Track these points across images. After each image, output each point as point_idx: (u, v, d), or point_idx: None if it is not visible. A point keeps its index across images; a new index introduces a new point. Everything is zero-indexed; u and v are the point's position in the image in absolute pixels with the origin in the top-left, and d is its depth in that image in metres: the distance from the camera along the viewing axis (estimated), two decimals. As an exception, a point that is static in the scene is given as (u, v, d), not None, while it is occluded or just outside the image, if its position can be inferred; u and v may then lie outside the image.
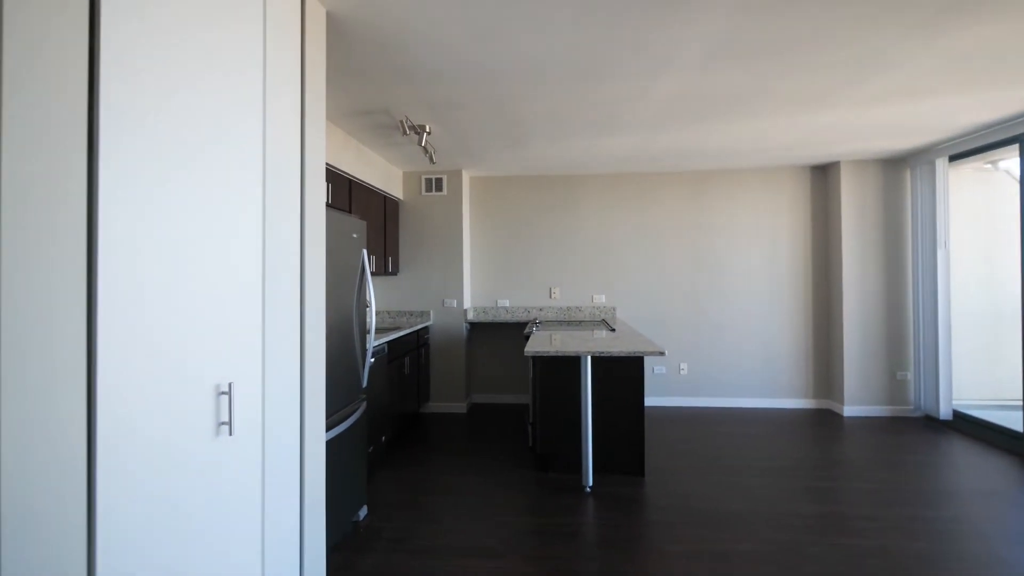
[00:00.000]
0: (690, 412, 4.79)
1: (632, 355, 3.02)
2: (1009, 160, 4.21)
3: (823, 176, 4.92)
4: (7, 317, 0.86)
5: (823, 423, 4.41)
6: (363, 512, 2.75)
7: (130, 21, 1.06)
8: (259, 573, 1.50)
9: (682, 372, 5.03)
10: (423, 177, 4.94)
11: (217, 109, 1.33)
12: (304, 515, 1.76)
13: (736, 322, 4.98)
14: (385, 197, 4.54)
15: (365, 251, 2.81)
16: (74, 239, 0.96)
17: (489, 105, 3.05)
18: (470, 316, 5.09)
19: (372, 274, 4.24)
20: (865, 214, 4.64)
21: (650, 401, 5.06)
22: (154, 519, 1.12)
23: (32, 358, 0.89)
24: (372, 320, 2.78)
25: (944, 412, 4.19)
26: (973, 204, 4.48)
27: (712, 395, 5.00)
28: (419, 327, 4.48)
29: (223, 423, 1.34)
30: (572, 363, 3.32)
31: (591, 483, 3.09)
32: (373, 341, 2.79)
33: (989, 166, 4.43)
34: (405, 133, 3.27)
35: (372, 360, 3.11)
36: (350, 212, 3.73)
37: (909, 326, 4.59)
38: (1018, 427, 3.66)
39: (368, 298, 2.82)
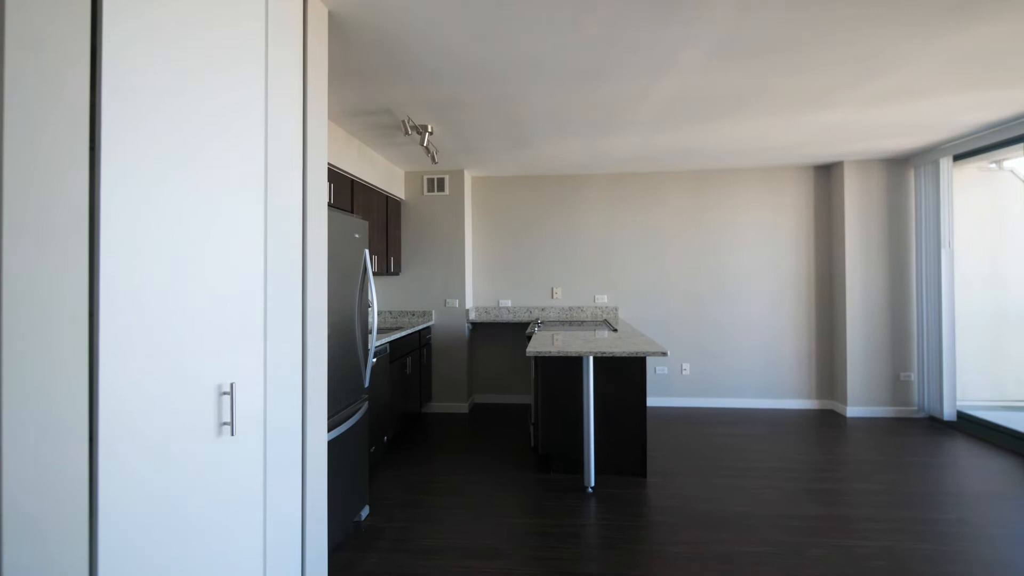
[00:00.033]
0: (692, 412, 4.78)
1: (634, 355, 3.01)
2: (1014, 159, 4.18)
3: (826, 176, 4.90)
4: (9, 317, 0.86)
5: (826, 424, 4.39)
6: (365, 512, 2.75)
7: (131, 19, 1.06)
8: (261, 573, 1.50)
9: (684, 372, 5.02)
10: (425, 177, 4.94)
11: (219, 108, 1.33)
12: (306, 515, 1.75)
13: (739, 322, 4.97)
14: (387, 197, 4.54)
15: (367, 251, 2.81)
16: (76, 239, 0.96)
17: (491, 105, 3.05)
18: (472, 316, 5.09)
19: (374, 274, 4.24)
20: (868, 214, 4.62)
21: (652, 401, 5.04)
22: (156, 519, 1.12)
23: (34, 359, 0.89)
24: (374, 320, 2.78)
25: (948, 413, 4.17)
26: (977, 204, 4.46)
27: (714, 395, 4.99)
28: (421, 327, 4.48)
29: (225, 423, 1.34)
30: (574, 363, 3.31)
31: (593, 484, 3.09)
32: (375, 341, 2.79)
33: (994, 166, 4.40)
34: (407, 133, 3.27)
35: (374, 360, 3.11)
36: (352, 212, 3.73)
37: (912, 326, 4.57)
38: (1023, 428, 3.64)
39: (370, 298, 2.82)
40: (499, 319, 4.98)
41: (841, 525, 2.60)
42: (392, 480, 3.25)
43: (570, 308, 5.16)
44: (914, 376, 4.57)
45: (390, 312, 4.98)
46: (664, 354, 2.94)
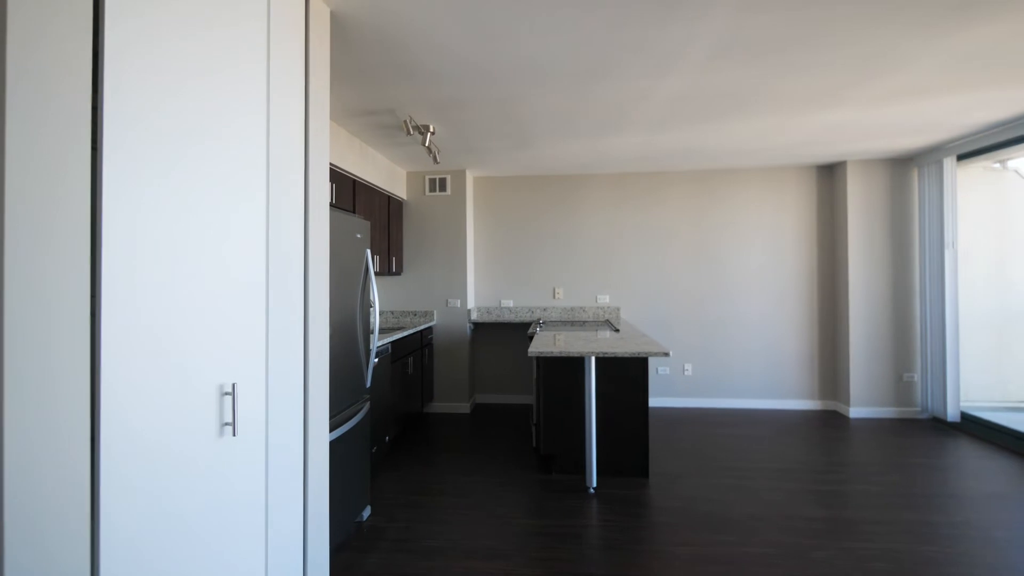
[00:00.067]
0: (695, 413, 4.77)
1: (636, 356, 3.00)
2: (1018, 159, 4.16)
3: (829, 175, 4.88)
4: (11, 317, 0.85)
5: (829, 425, 4.38)
6: (367, 512, 2.74)
7: (133, 19, 1.06)
8: (263, 574, 1.49)
9: (686, 373, 5.00)
10: (427, 177, 4.94)
11: (221, 108, 1.32)
12: (308, 515, 1.75)
13: (741, 322, 4.96)
14: (389, 197, 4.54)
15: (369, 251, 2.80)
16: (78, 239, 0.95)
17: (492, 105, 3.04)
18: (474, 316, 5.08)
19: (376, 274, 4.23)
20: (872, 214, 4.60)
21: (654, 402, 5.03)
22: (157, 519, 1.12)
23: (36, 360, 0.89)
24: (376, 320, 2.78)
25: (952, 414, 4.15)
26: (981, 204, 4.44)
27: (717, 396, 4.98)
28: (423, 327, 4.47)
29: (226, 424, 1.34)
30: (576, 364, 3.30)
31: (595, 484, 3.08)
32: (377, 341, 2.79)
33: (998, 165, 4.38)
34: (409, 133, 3.27)
35: (376, 360, 3.11)
36: (354, 212, 3.73)
37: (916, 327, 4.55)
38: (1027, 429, 3.63)
39: (372, 298, 2.82)
40: (501, 319, 4.98)
41: (844, 527, 2.59)
42: (394, 480, 3.25)
43: (572, 308, 5.15)
44: (917, 377, 4.55)
45: (392, 312, 4.98)
46: (666, 354, 2.93)
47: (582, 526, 2.63)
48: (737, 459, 3.55)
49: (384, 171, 4.36)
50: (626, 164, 4.71)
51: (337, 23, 2.03)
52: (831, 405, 4.86)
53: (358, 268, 2.69)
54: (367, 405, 2.76)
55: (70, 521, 0.94)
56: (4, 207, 0.85)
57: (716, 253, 4.99)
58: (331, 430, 2.30)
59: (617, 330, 4.04)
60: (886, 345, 4.58)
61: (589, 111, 3.16)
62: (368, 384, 2.78)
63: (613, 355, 2.99)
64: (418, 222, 4.96)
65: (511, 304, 5.22)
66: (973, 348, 4.36)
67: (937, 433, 4.09)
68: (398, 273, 4.82)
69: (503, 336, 5.21)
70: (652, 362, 5.02)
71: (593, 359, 3.09)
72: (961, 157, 4.08)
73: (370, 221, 3.25)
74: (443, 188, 4.92)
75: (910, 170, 4.57)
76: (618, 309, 5.10)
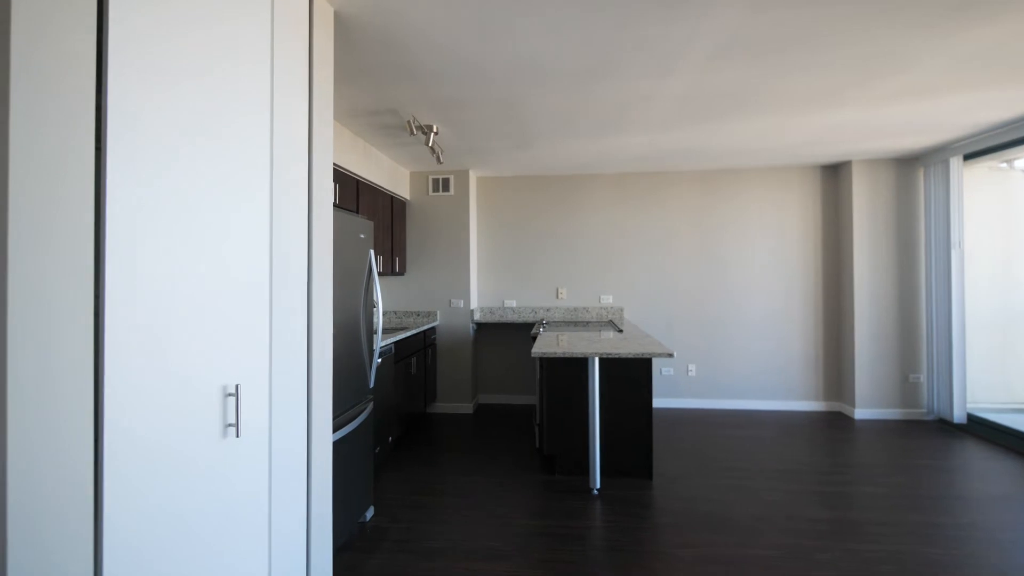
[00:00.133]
0: (698, 414, 4.75)
1: (640, 356, 2.99)
2: (1025, 159, 4.13)
3: (834, 175, 4.86)
4: (14, 319, 0.85)
5: (834, 426, 4.35)
6: (370, 513, 2.74)
7: (137, 16, 1.06)
8: (266, 575, 1.49)
9: (690, 373, 4.99)
10: (430, 177, 4.94)
11: (224, 107, 1.32)
12: (311, 516, 1.75)
13: (745, 323, 4.94)
14: (392, 197, 4.54)
15: (372, 251, 2.80)
16: (81, 238, 0.95)
17: (493, 105, 3.04)
18: (477, 316, 5.08)
19: (379, 274, 4.24)
20: (877, 214, 4.58)
21: (658, 403, 5.02)
22: (160, 520, 1.12)
23: (39, 361, 0.89)
24: (379, 320, 2.78)
25: (958, 415, 4.12)
26: (988, 204, 4.41)
27: (721, 397, 4.96)
28: (426, 327, 4.47)
29: (230, 424, 1.34)
30: (579, 364, 3.30)
31: (598, 485, 3.07)
32: (380, 341, 2.79)
33: (1005, 165, 4.35)
34: (412, 133, 3.27)
35: (379, 360, 3.11)
36: (357, 212, 3.73)
37: (922, 328, 4.52)
38: (1034, 431, 3.60)
39: (375, 298, 2.82)
40: (504, 319, 4.97)
41: (849, 529, 2.57)
42: (397, 481, 3.25)
43: (575, 308, 5.14)
44: (923, 378, 4.52)
45: (395, 312, 4.98)
46: (670, 355, 2.92)
47: (585, 527, 2.62)
48: (741, 460, 3.54)
49: (387, 171, 4.36)
50: (628, 164, 4.70)
51: (340, 23, 2.03)
52: (836, 406, 4.83)
53: (361, 268, 2.69)
54: (370, 405, 2.76)
55: (73, 522, 0.94)
56: (8, 206, 0.85)
57: (719, 253, 4.97)
58: (334, 431, 2.30)
59: (620, 331, 4.03)
60: (891, 346, 4.56)
61: (590, 111, 3.15)
62: (371, 384, 2.78)
63: (617, 356, 2.98)
64: (421, 222, 4.96)
65: (514, 304, 5.22)
66: (979, 349, 4.33)
67: (943, 435, 4.07)
68: (401, 273, 4.82)
69: (506, 336, 5.21)
70: (656, 363, 5.01)
71: (597, 360, 3.08)
72: (967, 157, 4.05)
73: (373, 221, 3.25)
74: (446, 188, 4.92)
75: (916, 170, 4.54)
76: (621, 309, 5.09)
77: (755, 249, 4.93)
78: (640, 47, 2.27)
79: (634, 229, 5.08)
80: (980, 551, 2.36)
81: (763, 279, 4.92)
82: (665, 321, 5.04)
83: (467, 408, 4.89)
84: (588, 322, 4.91)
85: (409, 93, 2.84)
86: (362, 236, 2.69)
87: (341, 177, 3.45)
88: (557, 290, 5.17)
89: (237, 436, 1.35)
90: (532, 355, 3.07)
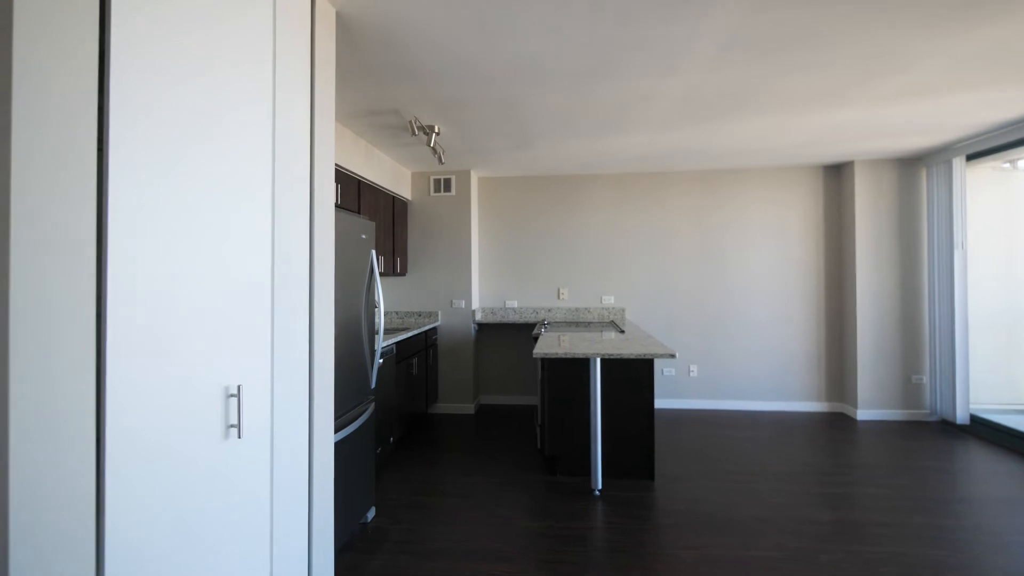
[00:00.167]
0: (700, 415, 4.74)
1: (642, 357, 2.98)
2: (1028, 159, 4.12)
3: (836, 176, 4.85)
4: (16, 319, 0.85)
5: (836, 427, 4.34)
6: (371, 513, 2.74)
7: (139, 16, 1.06)
8: (268, 574, 1.49)
9: (692, 374, 4.98)
10: (432, 178, 4.94)
11: (226, 107, 1.32)
12: (312, 517, 1.75)
13: (747, 324, 4.93)
14: (394, 197, 4.54)
15: (374, 252, 2.80)
16: (83, 239, 0.95)
17: (493, 105, 3.04)
18: (478, 317, 5.08)
19: (380, 275, 4.24)
20: (879, 214, 4.57)
21: (659, 403, 5.01)
22: (162, 521, 1.12)
23: (41, 361, 0.89)
24: (380, 321, 2.78)
25: (961, 416, 4.10)
26: (991, 204, 4.39)
27: (722, 397, 4.95)
28: (427, 328, 4.47)
29: (232, 425, 1.34)
30: (581, 365, 3.29)
31: (600, 486, 3.06)
32: (381, 342, 2.79)
33: (1008, 165, 4.34)
34: (414, 134, 3.27)
35: (380, 361, 3.10)
36: (359, 213, 3.74)
37: (924, 328, 4.51)
38: (1038, 432, 3.58)
39: (376, 299, 2.82)
40: (505, 320, 4.97)
41: (852, 530, 2.56)
42: (398, 481, 3.25)
43: (576, 309, 5.14)
44: (926, 379, 4.50)
45: (396, 313, 4.98)
46: (672, 356, 2.91)
47: (587, 528, 2.62)
48: (743, 461, 3.53)
49: (389, 171, 4.36)
50: (628, 164, 4.70)
51: (342, 23, 2.03)
52: (838, 407, 4.82)
53: (363, 269, 2.69)
54: (372, 406, 2.76)
55: (74, 523, 0.94)
56: (10, 206, 0.85)
57: (721, 254, 4.97)
58: (336, 431, 2.30)
59: (622, 331, 4.02)
60: (894, 346, 4.54)
61: (590, 111, 3.15)
62: (373, 385, 2.78)
63: (618, 356, 2.98)
64: (423, 223, 4.97)
65: (516, 305, 5.21)
66: (983, 350, 4.31)
67: (946, 436, 4.05)
68: (403, 274, 4.82)
69: (508, 337, 5.20)
70: (657, 363, 5.00)
71: (598, 360, 3.08)
72: (970, 157, 4.04)
73: (375, 222, 3.26)
74: (448, 188, 4.92)
75: (918, 170, 4.53)
76: (623, 310, 5.09)
77: (756, 249, 4.92)
78: (640, 47, 2.26)
79: (634, 229, 5.07)
80: (985, 554, 2.35)
81: (764, 279, 4.91)
82: (665, 321, 5.03)
83: (468, 409, 4.89)
84: (590, 323, 4.91)
85: (410, 93, 2.84)
86: (364, 236, 2.69)
87: (343, 177, 3.45)
88: (558, 290, 5.17)
89: (239, 437, 1.35)
90: (534, 356, 3.06)
